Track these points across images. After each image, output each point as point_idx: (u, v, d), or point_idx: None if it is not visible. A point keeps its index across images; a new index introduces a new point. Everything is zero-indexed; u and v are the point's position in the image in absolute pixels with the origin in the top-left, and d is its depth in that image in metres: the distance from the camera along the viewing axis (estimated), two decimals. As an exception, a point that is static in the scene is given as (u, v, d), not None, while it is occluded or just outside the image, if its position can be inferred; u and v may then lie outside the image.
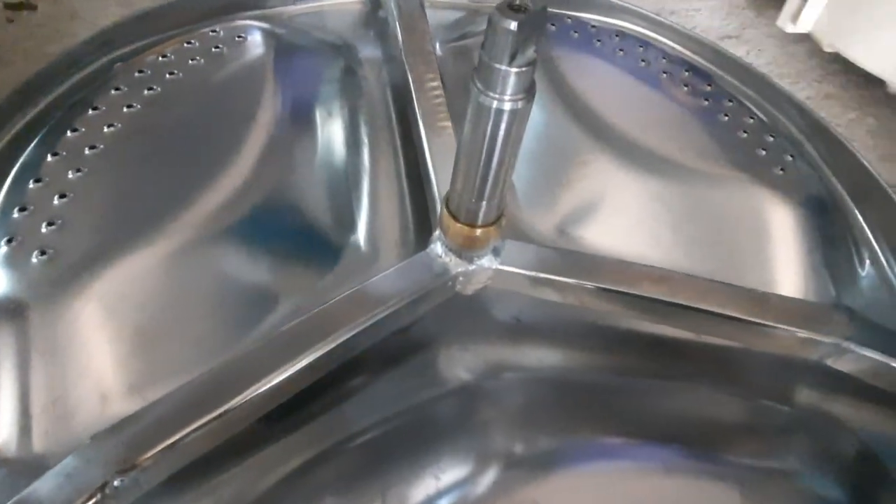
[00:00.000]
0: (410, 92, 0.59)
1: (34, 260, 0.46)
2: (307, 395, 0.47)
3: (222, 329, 0.47)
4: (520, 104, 0.39)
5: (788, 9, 1.45)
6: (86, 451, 0.37)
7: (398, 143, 0.65)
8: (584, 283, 0.51)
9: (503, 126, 0.40)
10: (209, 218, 0.50)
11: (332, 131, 0.63)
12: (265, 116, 0.60)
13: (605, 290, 0.50)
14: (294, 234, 0.55)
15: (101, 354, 0.43)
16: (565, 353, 0.54)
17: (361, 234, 0.57)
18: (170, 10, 0.66)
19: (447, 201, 0.49)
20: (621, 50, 0.67)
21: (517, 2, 0.36)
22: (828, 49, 1.45)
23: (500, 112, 0.39)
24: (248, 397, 0.40)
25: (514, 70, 0.37)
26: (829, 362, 0.47)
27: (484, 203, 0.46)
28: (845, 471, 0.47)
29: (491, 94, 0.38)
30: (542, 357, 0.54)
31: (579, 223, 0.61)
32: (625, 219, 0.61)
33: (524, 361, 0.55)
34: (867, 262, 0.57)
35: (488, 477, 0.49)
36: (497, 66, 0.37)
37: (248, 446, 0.45)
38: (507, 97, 0.38)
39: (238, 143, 0.56)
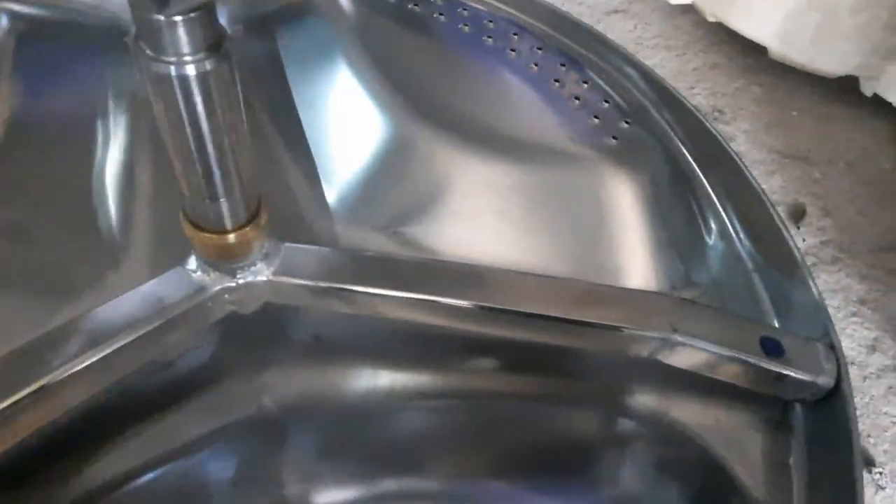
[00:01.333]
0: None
1: None
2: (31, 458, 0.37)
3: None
4: (207, 64, 0.29)
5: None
6: None
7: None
8: (375, 290, 0.42)
9: (200, 97, 0.30)
10: None
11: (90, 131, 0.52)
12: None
13: (400, 297, 0.42)
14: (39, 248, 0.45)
15: None
16: (371, 371, 0.45)
17: (118, 250, 0.47)
18: None
19: (184, 209, 0.39)
20: (441, 14, 0.59)
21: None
22: (711, 19, 1.41)
23: (184, 79, 0.29)
24: None
25: (177, 20, 0.27)
26: (662, 358, 0.40)
27: (223, 201, 0.36)
28: (687, 486, 0.40)
29: (165, 58, 0.29)
30: (346, 380, 0.46)
31: (410, 221, 0.52)
32: (456, 210, 0.52)
33: (328, 387, 0.46)
34: (715, 233, 0.51)
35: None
36: (160, 17, 0.27)
37: None
38: (188, 57, 0.29)
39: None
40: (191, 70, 0.29)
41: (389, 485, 0.42)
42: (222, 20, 0.29)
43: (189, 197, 0.36)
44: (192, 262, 0.41)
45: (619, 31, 1.53)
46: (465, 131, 0.53)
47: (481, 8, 0.59)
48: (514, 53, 0.57)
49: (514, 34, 0.58)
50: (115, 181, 0.49)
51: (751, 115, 1.35)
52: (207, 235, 0.38)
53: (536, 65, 0.56)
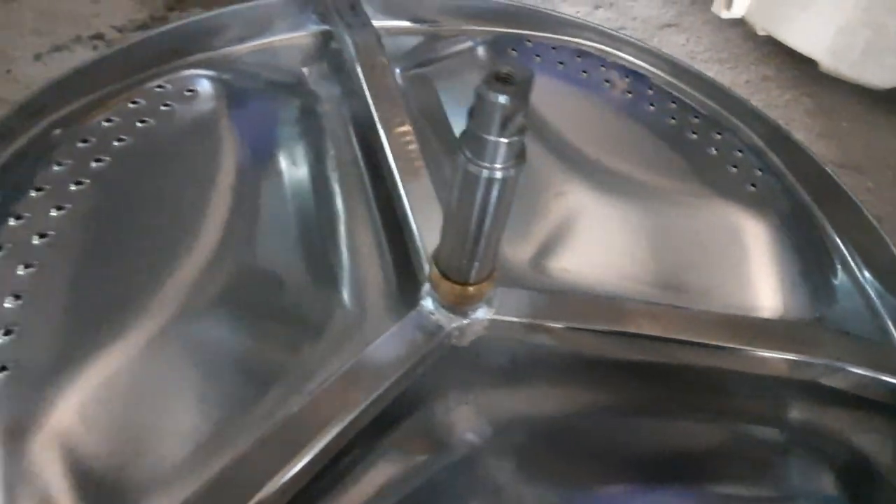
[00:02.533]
0: (378, 134, 0.56)
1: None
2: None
3: (212, 421, 0.43)
4: (511, 171, 0.37)
5: (722, -10, 1.47)
6: None
7: (367, 183, 0.62)
8: (578, 325, 0.49)
9: (494, 193, 0.38)
10: (180, 300, 0.46)
11: (299, 180, 0.59)
12: (226, 176, 0.56)
13: (599, 331, 0.49)
14: (274, 301, 0.52)
15: (85, 472, 0.39)
16: (563, 394, 0.53)
17: (345, 291, 0.54)
18: (107, 63, 0.60)
19: (436, 260, 0.46)
20: (584, 71, 0.66)
21: (503, 72, 0.34)
22: (761, 33, 1.48)
23: (490, 181, 0.37)
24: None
25: (504, 140, 0.35)
26: (823, 381, 0.48)
27: (476, 263, 0.44)
28: (844, 485, 0.48)
29: (481, 163, 0.36)
30: (540, 401, 0.53)
31: (557, 256, 0.59)
32: (604, 248, 0.59)
33: (523, 407, 0.54)
34: (839, 269, 0.58)
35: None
36: (487, 137, 0.35)
37: None
38: (498, 166, 0.36)
39: (201, 211, 0.51)
40: (498, 174, 0.36)
41: (584, 485, 0.50)
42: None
43: (448, 255, 0.44)
44: (430, 304, 0.48)
45: (672, 45, 1.60)
46: (618, 184, 0.60)
47: (619, 64, 0.66)
48: (652, 107, 0.64)
49: (650, 89, 0.65)
50: (336, 230, 0.57)
51: (803, 126, 1.41)
52: (452, 285, 0.45)
53: (673, 118, 0.63)
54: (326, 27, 0.71)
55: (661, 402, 0.53)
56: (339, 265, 0.56)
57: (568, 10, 1.66)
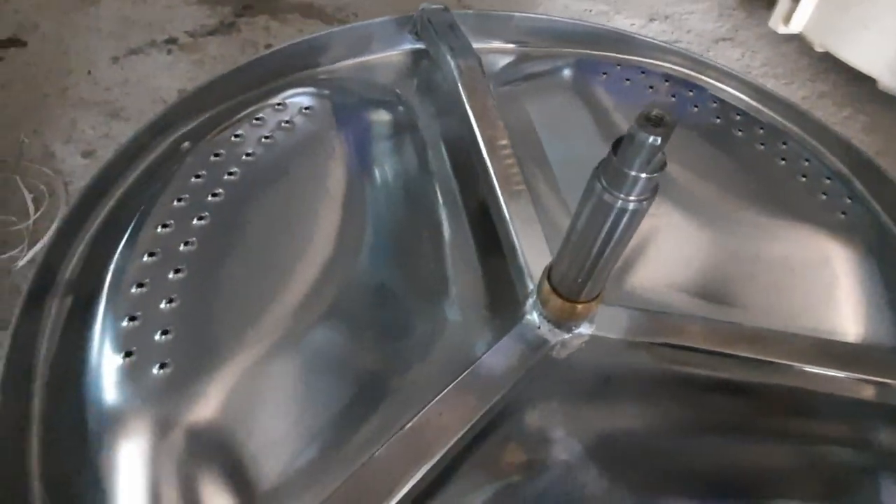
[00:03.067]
0: (482, 155, 0.58)
1: (154, 372, 0.45)
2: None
3: (339, 425, 0.46)
4: (644, 204, 0.39)
5: (780, 10, 1.47)
6: None
7: (459, 200, 0.64)
8: (675, 343, 0.52)
9: (623, 223, 0.40)
10: (307, 308, 0.50)
11: (401, 194, 0.63)
12: (337, 190, 0.59)
13: (695, 350, 0.51)
14: (388, 312, 0.55)
15: (227, 462, 0.43)
16: (651, 411, 0.55)
17: (445, 304, 0.57)
18: (225, 81, 0.63)
19: (549, 275, 0.49)
20: (673, 96, 0.68)
21: (655, 113, 0.36)
22: (819, 49, 1.47)
23: (623, 211, 0.39)
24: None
25: (645, 176, 0.37)
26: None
27: (590, 283, 0.46)
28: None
29: (617, 194, 0.38)
30: (627, 416, 0.55)
31: (649, 280, 0.61)
32: (692, 272, 0.61)
33: (611, 421, 0.56)
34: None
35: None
36: (629, 171, 0.37)
37: None
38: (632, 198, 0.39)
39: (316, 224, 0.55)
40: (631, 206, 0.39)
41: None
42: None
43: (564, 273, 0.46)
44: (535, 318, 0.51)
45: (727, 59, 1.60)
46: (707, 208, 0.62)
47: (707, 90, 0.68)
48: (741, 134, 0.66)
49: (738, 115, 0.67)
50: (434, 244, 0.60)
51: (860, 143, 1.41)
52: (563, 302, 0.48)
53: (762, 144, 0.65)
54: (419, 46, 0.74)
55: (748, 422, 0.55)
56: (438, 279, 0.59)
57: (623, 23, 1.67)
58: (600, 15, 1.69)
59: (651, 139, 0.35)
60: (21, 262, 1.02)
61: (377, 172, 0.62)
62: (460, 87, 0.63)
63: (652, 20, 1.71)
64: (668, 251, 0.61)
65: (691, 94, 0.68)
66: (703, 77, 0.73)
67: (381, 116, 0.66)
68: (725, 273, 0.61)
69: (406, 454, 0.43)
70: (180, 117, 0.61)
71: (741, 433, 0.54)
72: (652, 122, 0.35)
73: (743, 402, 0.56)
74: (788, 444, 0.54)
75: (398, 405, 0.50)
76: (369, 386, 0.50)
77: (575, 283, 0.47)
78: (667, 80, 0.69)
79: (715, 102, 0.67)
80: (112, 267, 0.49)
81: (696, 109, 0.67)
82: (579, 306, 0.48)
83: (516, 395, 0.54)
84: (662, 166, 0.37)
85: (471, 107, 0.62)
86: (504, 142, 0.60)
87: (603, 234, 0.41)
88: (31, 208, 1.08)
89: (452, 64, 0.64)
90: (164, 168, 0.56)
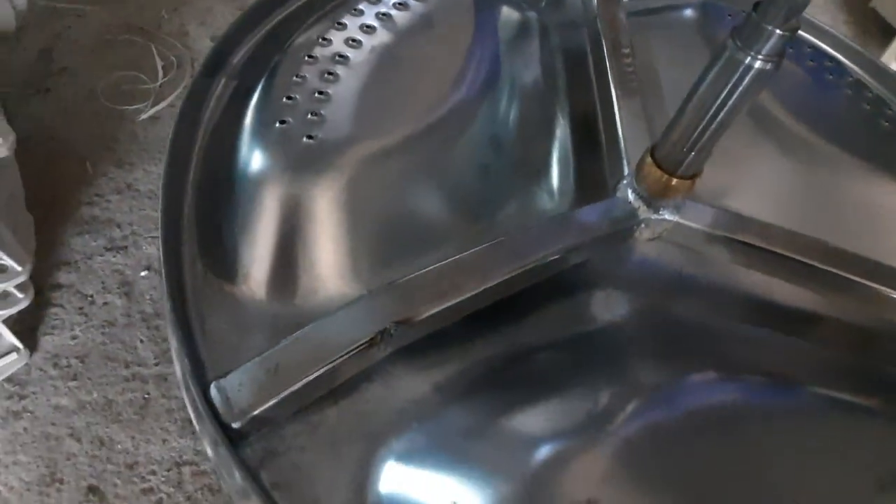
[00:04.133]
0: (603, 54, 0.63)
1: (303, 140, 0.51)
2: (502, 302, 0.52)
3: (441, 227, 0.51)
4: (769, 66, 0.43)
5: (894, 48, 1.47)
6: (367, 302, 0.42)
7: (566, 102, 0.69)
8: (757, 243, 0.54)
9: (746, 83, 0.43)
10: (433, 129, 0.55)
11: (514, 80, 0.68)
12: (461, 65, 0.64)
13: (776, 253, 0.54)
14: (490, 162, 0.60)
15: (353, 230, 0.48)
16: (713, 307, 0.58)
17: (551, 177, 0.62)
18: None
19: (652, 151, 0.53)
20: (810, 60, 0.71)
21: (800, -28, 0.40)
22: None
23: (749, 69, 0.42)
24: (488, 284, 0.45)
25: (779, 32, 0.41)
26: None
27: (692, 155, 0.50)
28: None
29: (748, 50, 0.42)
30: (691, 307, 0.58)
31: (739, 200, 0.64)
32: (782, 210, 0.64)
33: (678, 312, 0.59)
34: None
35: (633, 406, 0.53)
36: (766, 25, 0.41)
37: (466, 331, 0.49)
38: (761, 56, 0.42)
39: (448, 76, 0.60)
40: (758, 65, 0.42)
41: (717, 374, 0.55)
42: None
43: (672, 142, 0.50)
44: (629, 195, 0.55)
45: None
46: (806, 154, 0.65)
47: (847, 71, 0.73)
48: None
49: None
50: (540, 125, 0.65)
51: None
52: (661, 173, 0.52)
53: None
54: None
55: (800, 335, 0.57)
56: (546, 156, 0.63)
57: None
58: None
59: (797, -9, 0.38)
60: (144, 116, 1.12)
61: (498, 63, 0.67)
62: (594, -1, 0.68)
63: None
64: (762, 185, 0.64)
65: (814, 61, 0.70)
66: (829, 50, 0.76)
67: (506, 15, 0.71)
68: (815, 216, 0.63)
69: (505, 255, 0.48)
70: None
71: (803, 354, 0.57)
72: (800, -23, 0.39)
73: (812, 327, 0.58)
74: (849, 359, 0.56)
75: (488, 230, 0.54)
76: (477, 205, 0.55)
77: (680, 153, 0.50)
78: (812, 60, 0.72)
79: (835, 66, 0.70)
80: (275, 61, 0.55)
81: (829, 78, 0.70)
82: (675, 180, 0.52)
83: (588, 262, 0.57)
84: (796, 30, 0.41)
85: (600, 15, 0.66)
86: (626, 50, 0.64)
87: (724, 94, 0.45)
88: (161, 73, 1.17)
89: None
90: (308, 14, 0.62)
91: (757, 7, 0.41)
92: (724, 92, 0.44)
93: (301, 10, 0.64)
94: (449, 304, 0.42)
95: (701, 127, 0.47)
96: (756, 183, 0.64)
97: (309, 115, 0.52)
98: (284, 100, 0.53)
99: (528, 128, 0.65)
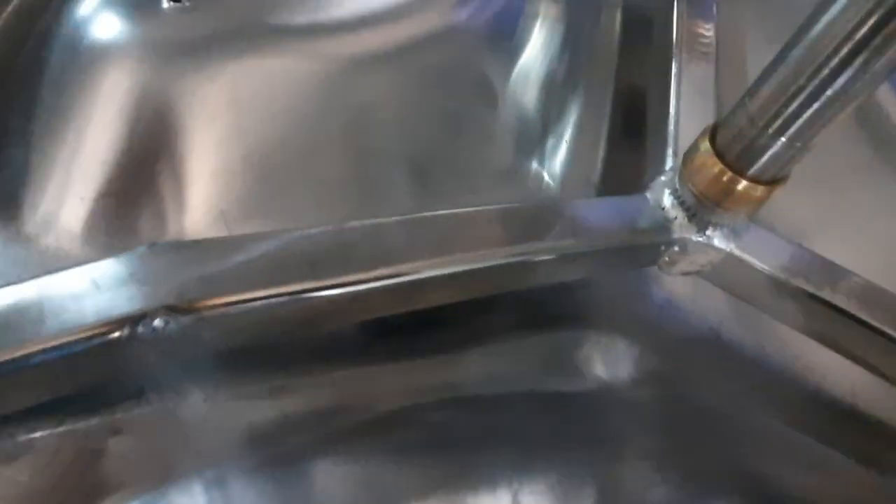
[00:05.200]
0: (672, 3, 0.43)
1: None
2: (424, 320, 0.33)
3: (356, 177, 0.33)
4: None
5: None
6: (134, 261, 0.23)
7: (614, 70, 0.49)
8: (843, 307, 0.34)
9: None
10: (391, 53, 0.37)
11: (541, 30, 0.49)
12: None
13: (866, 324, 0.33)
14: (471, 122, 0.41)
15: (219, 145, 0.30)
16: (762, 401, 0.37)
17: (546, 162, 0.42)
18: None
19: (713, 132, 0.33)
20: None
21: None
22: None
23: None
24: (375, 283, 0.25)
25: None
26: None
27: (782, 141, 0.30)
28: None
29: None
30: (718, 384, 0.38)
31: (820, 237, 0.43)
32: (884, 245, 0.43)
33: (697, 384, 0.38)
34: None
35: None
36: None
37: (330, 354, 0.30)
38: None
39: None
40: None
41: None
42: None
43: (750, 118, 0.30)
44: (665, 198, 0.35)
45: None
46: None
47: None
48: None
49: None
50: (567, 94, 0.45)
51: None
52: (723, 169, 0.32)
53: None
54: None
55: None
56: (553, 130, 0.44)
57: None
58: None
59: None
60: None
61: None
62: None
63: None
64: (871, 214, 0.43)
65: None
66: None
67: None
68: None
69: (421, 241, 0.28)
70: None
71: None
72: None
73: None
74: None
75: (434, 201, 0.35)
76: (415, 169, 0.36)
77: (761, 138, 0.30)
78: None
79: None
80: None
81: None
82: (744, 183, 0.32)
83: (591, 298, 0.38)
84: None
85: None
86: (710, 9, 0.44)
87: (861, 34, 0.25)
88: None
89: None
90: None
91: None
92: (865, 27, 0.25)
93: None
94: (284, 295, 0.23)
95: (806, 93, 0.27)
96: (862, 220, 0.43)
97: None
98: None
99: (545, 84, 0.46)
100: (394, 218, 0.27)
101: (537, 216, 0.32)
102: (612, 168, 0.44)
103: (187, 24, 0.34)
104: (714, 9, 0.43)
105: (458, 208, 0.36)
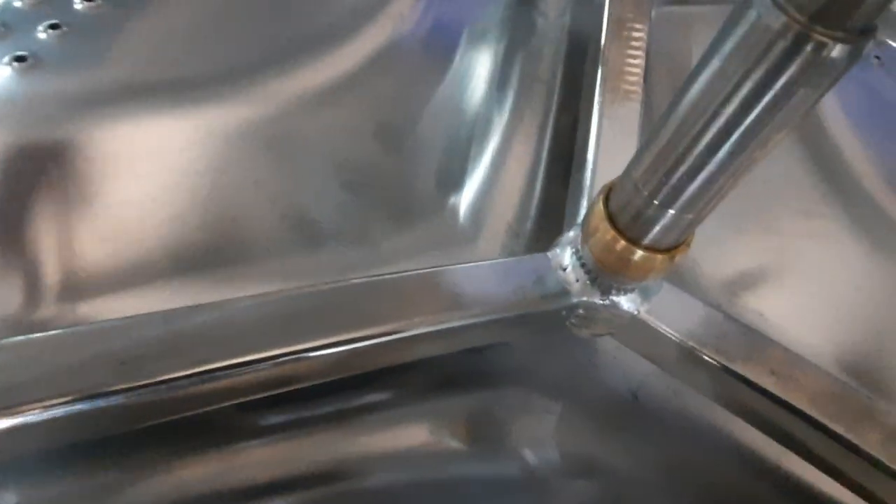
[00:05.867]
0: (601, 34, 0.40)
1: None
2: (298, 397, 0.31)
3: (238, 241, 0.31)
4: (846, 53, 0.19)
5: None
6: None
7: (554, 105, 0.47)
8: (755, 381, 0.31)
9: (793, 71, 0.20)
10: (289, 94, 0.34)
11: (477, 61, 0.46)
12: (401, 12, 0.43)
13: (783, 402, 0.30)
14: (382, 165, 0.39)
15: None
16: (677, 458, 0.35)
17: (465, 200, 0.40)
18: None
19: (608, 194, 0.30)
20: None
21: None
22: None
23: (797, 50, 0.19)
24: (235, 375, 0.24)
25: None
26: None
27: (672, 213, 0.27)
28: None
29: (793, 13, 0.19)
30: (643, 456, 0.35)
31: (759, 293, 0.40)
32: (832, 307, 0.40)
33: (617, 458, 0.36)
34: None
35: None
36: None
37: (179, 439, 0.28)
38: (820, 30, 0.19)
39: (358, 26, 0.39)
40: (835, 51, 0.19)
41: None
42: None
43: (638, 184, 0.27)
44: (566, 258, 0.32)
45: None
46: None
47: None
48: None
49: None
50: (494, 133, 0.43)
51: None
52: (616, 237, 0.29)
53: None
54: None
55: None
56: (475, 171, 0.41)
57: None
58: None
59: None
60: None
61: (462, 35, 0.46)
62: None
63: None
64: (804, 266, 0.40)
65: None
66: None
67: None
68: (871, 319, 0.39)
69: (301, 320, 0.27)
70: None
71: None
72: None
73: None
74: None
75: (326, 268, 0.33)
76: (308, 224, 0.34)
77: (649, 208, 0.27)
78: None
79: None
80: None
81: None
82: (639, 253, 0.29)
83: (497, 361, 0.36)
84: None
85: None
86: (640, 26, 0.41)
87: (743, 94, 0.21)
88: None
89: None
90: None
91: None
92: (748, 84, 0.21)
93: None
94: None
95: (693, 159, 0.24)
96: (802, 268, 0.40)
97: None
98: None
99: (476, 120, 0.44)
100: (243, 298, 0.26)
101: (422, 286, 0.30)
102: (540, 214, 0.41)
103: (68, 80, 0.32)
104: (645, 40, 0.40)
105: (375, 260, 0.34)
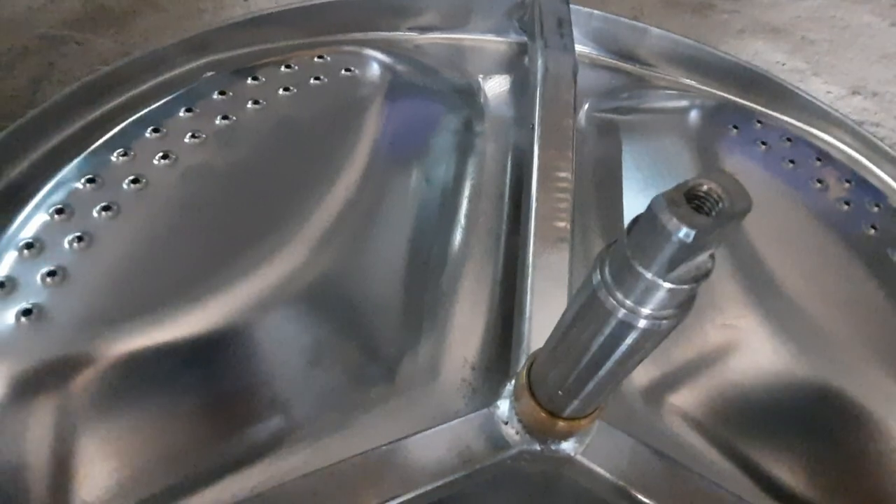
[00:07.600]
0: (531, 182, 0.45)
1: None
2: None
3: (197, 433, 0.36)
4: (664, 324, 0.24)
5: None
6: None
7: (505, 227, 0.51)
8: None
9: (629, 341, 0.25)
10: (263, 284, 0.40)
11: (430, 199, 0.50)
12: (354, 168, 0.48)
13: None
14: (351, 317, 0.44)
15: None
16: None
17: (424, 342, 0.45)
18: (276, 19, 0.55)
19: (530, 367, 0.35)
20: (820, 181, 0.48)
21: (703, 188, 0.21)
22: None
23: (627, 327, 0.24)
24: None
25: (667, 286, 0.22)
26: None
27: (575, 402, 0.32)
28: None
29: (623, 299, 0.24)
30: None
31: (684, 397, 0.44)
32: (755, 407, 0.44)
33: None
34: None
35: None
36: (643, 272, 0.22)
37: None
38: (646, 312, 0.24)
39: (318, 193, 0.44)
40: (643, 324, 0.24)
41: None
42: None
43: (545, 377, 0.32)
44: (504, 412, 0.37)
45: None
46: (803, 328, 0.44)
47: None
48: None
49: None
50: (447, 269, 0.47)
51: None
52: (539, 410, 0.34)
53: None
54: (524, 39, 0.60)
55: None
56: (432, 312, 0.46)
57: (818, 88, 1.38)
58: (793, 73, 1.40)
59: (682, 232, 0.20)
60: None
61: (409, 164, 0.50)
62: (538, 94, 0.49)
63: (855, 93, 1.40)
64: (724, 372, 0.44)
65: (848, 185, 0.48)
66: (868, 164, 0.52)
67: (440, 104, 0.53)
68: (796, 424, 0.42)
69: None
70: (217, 44, 0.53)
71: None
72: (695, 202, 0.20)
73: None
74: None
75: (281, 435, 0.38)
76: (265, 400, 0.39)
77: (556, 396, 0.32)
78: (819, 160, 0.49)
79: (878, 204, 0.47)
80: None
81: (846, 207, 0.47)
82: (560, 423, 0.34)
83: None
84: (700, 278, 0.22)
85: (541, 119, 0.48)
86: (564, 174, 0.45)
87: (597, 349, 0.27)
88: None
89: (539, 63, 0.50)
90: (182, 84, 0.48)
91: (632, 228, 0.23)
92: (599, 344, 0.26)
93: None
94: None
95: (575, 378, 0.29)
96: (723, 374, 0.44)
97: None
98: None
99: (441, 272, 0.48)
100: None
101: (366, 471, 0.34)
102: (494, 353, 0.46)
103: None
104: (570, 181, 0.44)
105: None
